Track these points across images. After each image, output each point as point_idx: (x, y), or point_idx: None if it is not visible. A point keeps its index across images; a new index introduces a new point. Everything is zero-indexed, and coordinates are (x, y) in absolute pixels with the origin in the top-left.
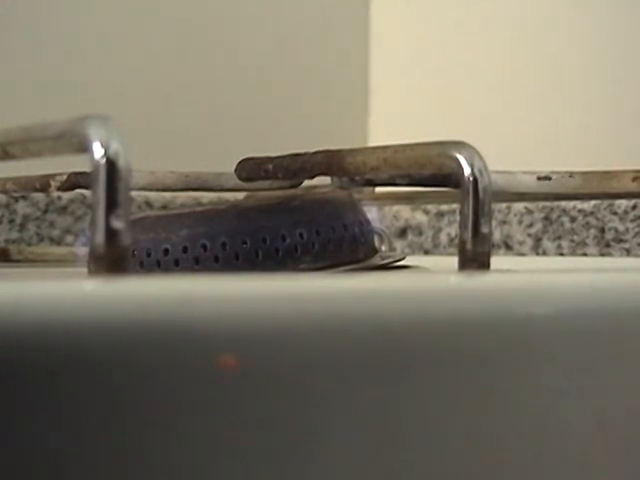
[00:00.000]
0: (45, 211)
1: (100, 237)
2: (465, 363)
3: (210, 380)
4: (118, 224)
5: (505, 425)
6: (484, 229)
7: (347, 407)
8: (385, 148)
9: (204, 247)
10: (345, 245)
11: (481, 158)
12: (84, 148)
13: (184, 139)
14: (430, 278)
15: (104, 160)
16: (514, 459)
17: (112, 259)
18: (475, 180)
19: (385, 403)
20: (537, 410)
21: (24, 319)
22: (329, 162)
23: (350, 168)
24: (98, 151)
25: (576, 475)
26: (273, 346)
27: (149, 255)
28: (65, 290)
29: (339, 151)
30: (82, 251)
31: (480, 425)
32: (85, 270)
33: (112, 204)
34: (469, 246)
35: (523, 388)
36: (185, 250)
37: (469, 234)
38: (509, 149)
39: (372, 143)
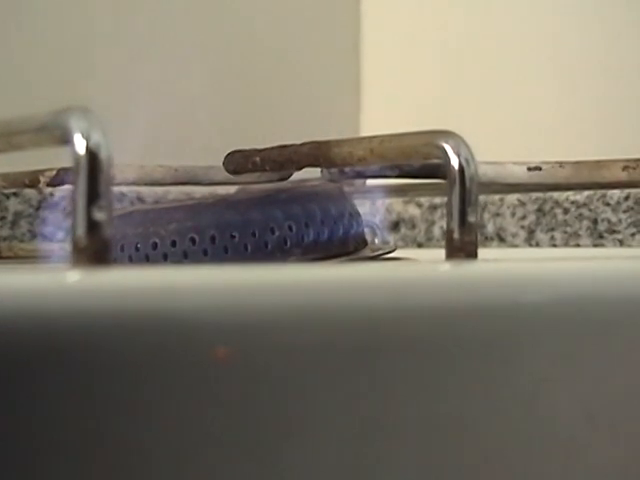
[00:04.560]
0: (38, 208)
1: (82, 229)
2: (451, 352)
3: (194, 371)
4: (100, 216)
5: (491, 414)
6: (471, 218)
7: (331, 397)
8: (372, 138)
9: (193, 241)
10: (335, 237)
11: (468, 147)
12: (65, 140)
13: (173, 132)
14: (416, 267)
15: (85, 152)
16: (499, 448)
17: (94, 251)
18: (462, 169)
19: (369, 393)
20: (523, 399)
21: (5, 312)
22: (316, 153)
23: (337, 159)
24: (79, 143)
25: (563, 463)
26: (257, 336)
27: (138, 249)
28: (46, 282)
29: (326, 142)
30: (66, 245)
31: (465, 414)
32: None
33: (93, 196)
34: (456, 235)
35: (509, 377)
36: (174, 244)
37: (456, 223)
38: (499, 140)
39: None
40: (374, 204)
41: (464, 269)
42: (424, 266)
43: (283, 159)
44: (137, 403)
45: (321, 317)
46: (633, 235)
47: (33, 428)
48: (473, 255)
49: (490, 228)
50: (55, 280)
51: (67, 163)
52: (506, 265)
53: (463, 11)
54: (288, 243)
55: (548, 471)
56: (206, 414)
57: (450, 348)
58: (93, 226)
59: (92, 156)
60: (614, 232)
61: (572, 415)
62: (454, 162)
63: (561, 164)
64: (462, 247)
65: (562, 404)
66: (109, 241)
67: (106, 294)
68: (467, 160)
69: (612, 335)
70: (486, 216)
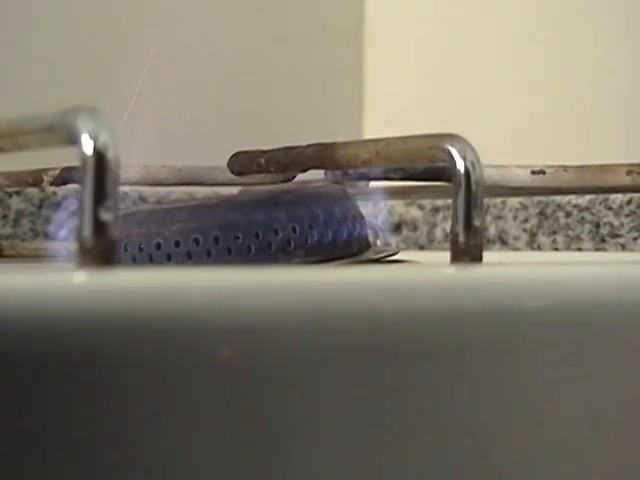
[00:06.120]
0: (40, 207)
1: (88, 229)
2: (455, 355)
3: (199, 372)
4: (107, 216)
5: (494, 416)
6: (476, 222)
7: (336, 399)
8: (377, 141)
9: (196, 241)
10: (338, 239)
11: (473, 150)
12: (73, 140)
13: (177, 132)
14: (421, 271)
15: (92, 152)
16: (502, 449)
17: (100, 251)
18: (467, 172)
19: (374, 395)
20: (527, 403)
21: (11, 312)
22: (321, 155)
23: (342, 161)
24: (87, 143)
25: (565, 465)
26: (261, 338)
27: (141, 250)
28: (53, 282)
29: (331, 144)
30: (68, 245)
31: (469, 415)
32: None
33: (100, 196)
34: (461, 239)
35: (513, 379)
36: (177, 245)
37: (461, 227)
38: (503, 143)
39: (367, 137)
40: (376, 206)
41: (469, 273)
42: (429, 269)
43: (288, 161)
44: (141, 403)
45: (326, 319)
46: (635, 239)
47: (39, 429)
48: (478, 259)
49: (492, 231)
50: (62, 281)
51: (70, 162)
52: (511, 269)
53: (467, 14)
54: (292, 244)
55: (550, 472)
56: (211, 415)
57: (455, 351)
58: (100, 226)
59: (99, 156)
60: (616, 236)
61: (574, 417)
62: (460, 165)
63: (565, 168)
64: (467, 250)
65: (565, 406)
66: (115, 242)
67: (113, 295)
68: (473, 163)
69: (614, 339)
70: (488, 219)
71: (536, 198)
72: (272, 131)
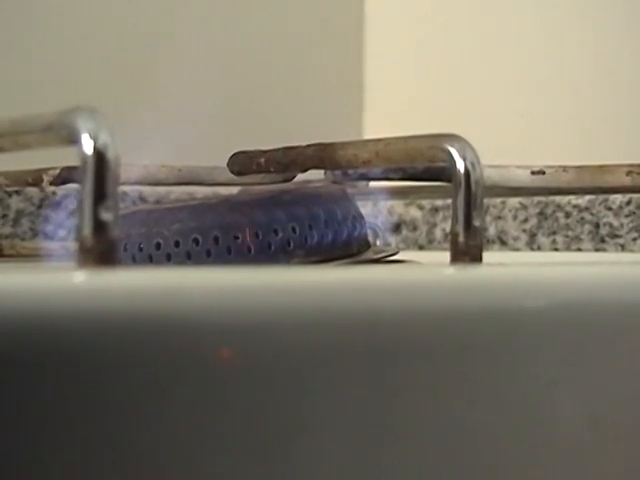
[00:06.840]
0: (39, 206)
1: (88, 229)
2: (455, 355)
3: (198, 372)
4: (107, 216)
5: (494, 416)
6: (476, 222)
7: (336, 398)
8: (377, 141)
9: (196, 241)
10: (338, 239)
11: (473, 150)
12: (73, 140)
13: (176, 132)
14: (421, 271)
15: (92, 152)
16: (502, 450)
17: (100, 251)
18: (467, 172)
19: (371, 395)
20: (527, 403)
21: (12, 312)
22: (321, 155)
23: (342, 161)
24: (87, 143)
25: (566, 465)
26: (261, 338)
27: (141, 250)
28: (53, 282)
29: (331, 144)
30: (68, 244)
31: (469, 415)
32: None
33: (101, 196)
34: (461, 239)
35: (513, 380)
36: (177, 244)
37: (461, 227)
38: (503, 143)
39: (367, 137)
40: (376, 206)
41: (469, 273)
42: (429, 269)
43: (288, 161)
44: (141, 403)
45: (326, 319)
46: (635, 240)
47: (39, 429)
48: (478, 259)
49: (492, 231)
50: (62, 281)
51: (70, 162)
52: (511, 269)
53: (466, 14)
54: (291, 245)
55: (550, 472)
56: (211, 415)
57: (455, 351)
58: (100, 226)
59: (99, 156)
60: (616, 236)
61: (575, 418)
62: (460, 165)
63: (565, 168)
64: (467, 251)
65: (566, 407)
66: (115, 241)
67: (113, 295)
68: (473, 164)
69: (614, 339)
70: (488, 219)
71: (536, 198)
72: (272, 131)
